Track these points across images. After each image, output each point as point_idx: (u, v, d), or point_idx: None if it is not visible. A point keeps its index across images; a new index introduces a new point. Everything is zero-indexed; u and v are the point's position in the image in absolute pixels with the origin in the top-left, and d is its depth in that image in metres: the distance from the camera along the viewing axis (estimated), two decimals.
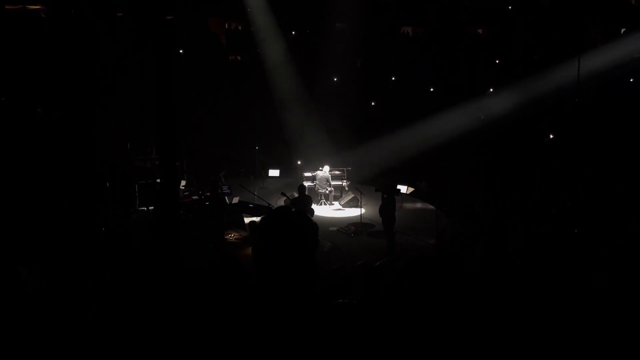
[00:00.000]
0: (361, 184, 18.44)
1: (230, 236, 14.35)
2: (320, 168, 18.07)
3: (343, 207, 17.92)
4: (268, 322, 2.45)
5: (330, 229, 15.46)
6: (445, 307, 4.23)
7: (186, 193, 16.44)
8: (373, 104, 25.44)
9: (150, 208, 14.87)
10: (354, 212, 17.05)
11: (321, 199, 17.84)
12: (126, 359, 4.49)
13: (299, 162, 20.56)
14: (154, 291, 6.49)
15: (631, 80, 22.96)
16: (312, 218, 13.74)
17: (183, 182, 17.03)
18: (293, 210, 2.75)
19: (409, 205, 17.55)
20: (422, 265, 4.40)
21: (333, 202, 18.06)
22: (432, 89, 25.12)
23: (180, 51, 23.87)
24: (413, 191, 17.57)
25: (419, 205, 18.17)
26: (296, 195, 15.06)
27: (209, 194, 15.96)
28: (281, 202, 17.12)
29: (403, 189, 16.13)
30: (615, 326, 5.99)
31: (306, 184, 17.37)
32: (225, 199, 14.94)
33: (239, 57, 27.20)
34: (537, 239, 9.69)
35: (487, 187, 16.78)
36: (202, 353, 2.73)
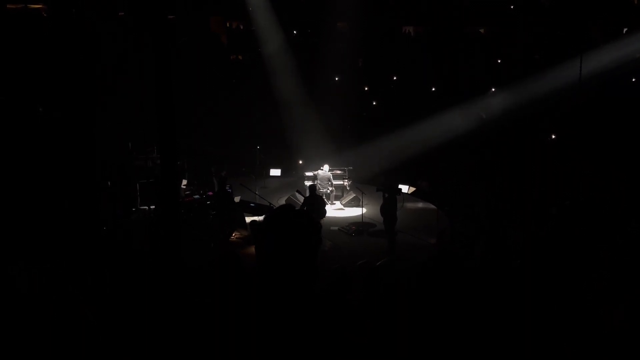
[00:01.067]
0: (362, 183, 18.43)
1: (232, 235, 14.35)
2: (321, 168, 18.07)
3: (344, 206, 17.92)
4: (268, 321, 2.46)
5: (332, 228, 15.45)
6: (445, 307, 4.24)
7: (187, 192, 16.43)
8: (374, 103, 25.45)
9: (151, 207, 14.89)
10: (355, 211, 17.06)
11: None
12: (126, 359, 4.50)
13: (300, 162, 20.57)
14: (153, 291, 6.50)
15: (633, 80, 22.94)
16: (323, 219, 13.77)
17: (184, 182, 17.04)
18: (297, 210, 2.76)
19: (410, 205, 17.55)
20: (428, 268, 4.41)
21: (334, 202, 18.06)
22: (433, 89, 25.12)
23: (181, 52, 23.86)
24: (414, 191, 17.57)
25: (420, 205, 18.16)
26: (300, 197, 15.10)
27: (210, 193, 15.96)
28: (282, 201, 17.14)
29: (404, 188, 16.12)
30: (615, 326, 5.99)
31: (307, 183, 17.37)
32: (231, 196, 14.86)
33: (240, 57, 27.20)
34: (537, 239, 9.69)
35: (487, 187, 16.77)
36: (202, 352, 2.74)
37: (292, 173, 20.86)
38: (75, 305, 4.66)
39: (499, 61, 25.64)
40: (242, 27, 27.43)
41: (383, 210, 13.86)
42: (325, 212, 14.41)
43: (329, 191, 17.89)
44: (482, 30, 28.40)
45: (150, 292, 6.44)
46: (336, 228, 15.59)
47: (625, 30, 24.76)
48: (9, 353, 4.20)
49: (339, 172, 18.55)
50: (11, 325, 4.42)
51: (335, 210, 17.57)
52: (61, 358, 4.29)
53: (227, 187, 14.27)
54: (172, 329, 4.45)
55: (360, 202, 16.72)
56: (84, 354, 4.24)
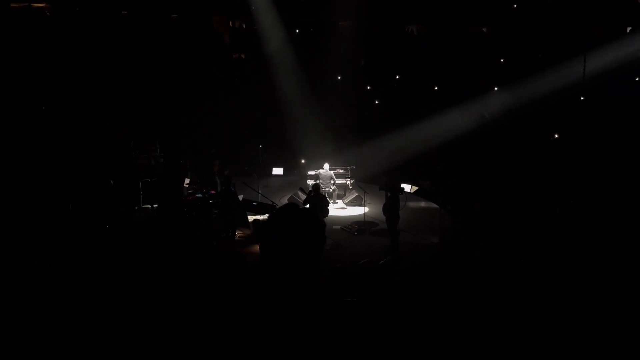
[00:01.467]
0: (365, 182, 18.43)
1: (236, 234, 14.36)
2: (323, 167, 18.07)
3: (347, 205, 17.92)
4: (268, 321, 2.46)
5: (334, 227, 15.44)
6: (445, 306, 4.25)
7: (190, 191, 16.44)
8: (377, 102, 25.44)
9: (154, 206, 14.91)
10: (357, 210, 17.06)
11: None
12: (126, 359, 4.51)
13: (302, 161, 20.58)
14: (153, 291, 6.51)
15: (637, 79, 22.88)
16: (326, 218, 13.66)
17: (187, 180, 17.04)
18: (300, 208, 2.75)
19: (412, 204, 17.54)
20: (429, 268, 4.41)
21: (337, 201, 18.06)
22: (436, 88, 25.09)
23: (183, 51, 23.88)
24: (416, 190, 17.53)
25: (422, 204, 18.14)
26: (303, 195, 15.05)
27: (213, 192, 15.96)
28: (285, 200, 17.14)
29: (407, 187, 16.09)
30: (615, 326, 5.99)
31: (310, 182, 17.37)
32: (236, 195, 14.80)
33: (242, 55, 27.22)
34: (538, 239, 9.69)
35: (487, 187, 16.75)
36: (202, 352, 2.75)
37: (295, 172, 20.89)
38: (75, 305, 4.68)
39: (501, 60, 25.61)
40: (244, 26, 27.44)
41: (385, 209, 13.84)
42: (328, 210, 14.40)
43: (331, 190, 17.90)
44: (484, 30, 28.37)
45: (150, 292, 6.46)
46: (339, 227, 15.59)
47: (629, 29, 24.72)
48: (10, 353, 4.22)
49: (341, 171, 18.55)
50: (12, 325, 4.44)
51: (337, 209, 17.58)
52: (61, 358, 4.31)
53: (231, 186, 14.29)
54: (171, 328, 4.46)
55: (363, 201, 16.72)
56: (84, 354, 4.25)
